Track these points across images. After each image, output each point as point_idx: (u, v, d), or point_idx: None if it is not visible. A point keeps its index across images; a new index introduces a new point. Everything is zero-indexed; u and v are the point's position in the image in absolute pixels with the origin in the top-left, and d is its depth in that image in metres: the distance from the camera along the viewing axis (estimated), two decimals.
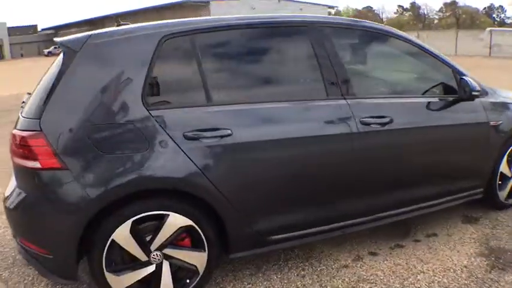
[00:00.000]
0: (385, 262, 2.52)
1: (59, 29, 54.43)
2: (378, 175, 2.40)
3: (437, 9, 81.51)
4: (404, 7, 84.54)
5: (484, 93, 2.75)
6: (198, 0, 42.30)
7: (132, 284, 2.07)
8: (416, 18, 78.44)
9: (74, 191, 1.89)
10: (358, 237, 2.78)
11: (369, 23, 2.60)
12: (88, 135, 1.90)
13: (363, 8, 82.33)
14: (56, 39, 2.11)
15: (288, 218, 2.24)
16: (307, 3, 49.82)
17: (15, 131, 1.98)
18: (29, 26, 61.02)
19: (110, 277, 2.02)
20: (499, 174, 2.94)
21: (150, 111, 1.96)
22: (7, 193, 2.14)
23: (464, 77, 2.54)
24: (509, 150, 2.94)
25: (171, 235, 2.05)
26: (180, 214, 2.03)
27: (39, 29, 61.88)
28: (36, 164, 1.89)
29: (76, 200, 1.90)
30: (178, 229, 2.05)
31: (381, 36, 2.59)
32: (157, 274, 2.08)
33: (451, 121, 2.61)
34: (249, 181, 2.11)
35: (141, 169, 1.94)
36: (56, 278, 2.09)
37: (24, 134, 1.92)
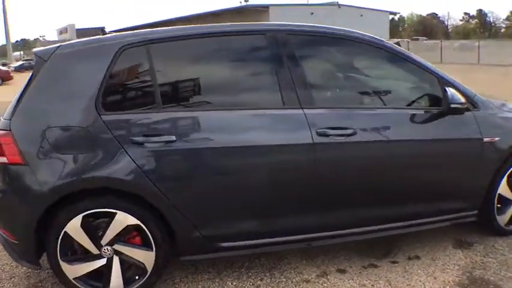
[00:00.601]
0: (350, 281, 2.39)
1: (124, 32, 57.50)
2: (343, 189, 2.28)
3: (504, 17, 74.61)
4: (471, 14, 78.66)
5: (479, 106, 2.50)
6: (257, 5, 42.85)
7: (86, 275, 2.18)
8: (483, 26, 72.74)
9: (32, 185, 2.07)
10: (333, 252, 2.67)
11: (337, 29, 2.46)
12: (46, 136, 2.06)
13: (427, 14, 77.80)
14: (34, 49, 2.29)
15: (238, 226, 2.22)
16: (368, 9, 48.25)
17: None
18: (97, 28, 65.60)
19: (64, 265, 2.16)
20: (496, 196, 2.65)
21: (101, 116, 2.07)
22: None
23: (447, 88, 2.32)
24: (510, 170, 2.64)
25: (120, 232, 2.13)
26: (127, 213, 2.10)
27: (106, 31, 66.14)
28: (4, 159, 2.09)
29: (32, 192, 2.07)
30: (126, 227, 2.12)
31: (350, 43, 2.43)
32: (108, 268, 2.18)
33: (433, 135, 2.39)
34: (194, 188, 2.13)
35: (89, 169, 2.05)
36: (22, 262, 2.26)
37: None
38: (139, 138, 2.06)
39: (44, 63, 2.15)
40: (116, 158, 2.04)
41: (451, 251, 2.70)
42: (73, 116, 2.10)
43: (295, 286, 2.35)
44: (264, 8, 41.60)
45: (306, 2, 48.76)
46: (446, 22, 76.24)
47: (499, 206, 2.72)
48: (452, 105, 2.29)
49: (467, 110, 2.42)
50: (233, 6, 45.28)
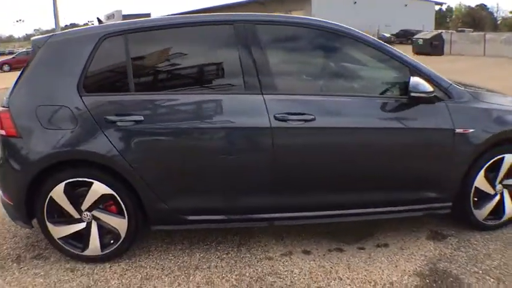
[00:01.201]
0: (311, 262, 2.49)
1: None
2: (302, 172, 2.37)
3: None
4: None
5: (454, 97, 2.46)
6: None
7: (69, 236, 2.46)
8: None
9: (23, 154, 2.36)
10: (305, 234, 2.78)
11: (306, 18, 2.51)
12: (36, 113, 2.33)
13: (476, 5, 72.63)
14: (32, 38, 2.56)
15: (202, 202, 2.39)
16: None
17: None
18: (143, 14, 67.55)
19: (50, 226, 2.44)
20: (473, 189, 2.62)
21: (82, 97, 2.31)
22: None
23: (411, 77, 2.32)
24: (488, 163, 2.58)
25: (97, 200, 2.38)
26: (102, 183, 2.34)
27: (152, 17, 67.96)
28: (3, 132, 2.40)
29: (24, 161, 2.36)
30: (101, 195, 2.36)
31: (317, 32, 2.47)
32: (87, 231, 2.44)
33: (398, 124, 2.41)
34: (158, 163, 2.33)
35: (70, 143, 2.31)
36: (18, 222, 2.57)
37: (0, 109, 2.43)
38: (113, 117, 2.28)
39: (38, 50, 2.42)
40: (92, 134, 2.28)
41: (422, 242, 2.71)
42: (59, 97, 2.35)
43: (257, 262, 2.49)
44: None
45: None
46: (495, 14, 71.15)
47: (476, 199, 2.68)
48: (413, 94, 2.29)
49: (439, 99, 2.40)
50: None
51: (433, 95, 2.34)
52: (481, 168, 2.59)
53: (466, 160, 2.51)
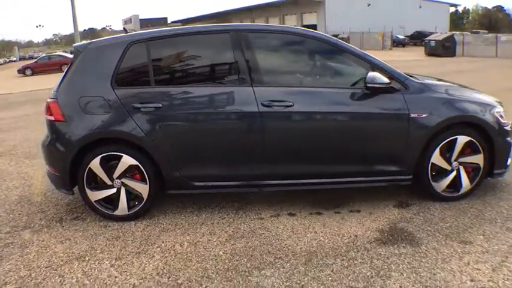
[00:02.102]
0: (294, 222, 3.09)
1: (186, 22, 60.77)
2: (285, 147, 3.00)
3: None
4: None
5: (410, 88, 3.03)
6: None
7: (103, 199, 3.13)
8: None
9: (68, 134, 3.04)
10: (291, 201, 3.39)
11: (286, 27, 3.21)
12: (78, 102, 3.01)
13: (493, 7, 71.60)
14: (74, 44, 3.27)
15: (206, 171, 3.04)
16: (427, 0, 45.97)
17: (47, 99, 3.18)
18: (160, 18, 69.25)
19: (88, 191, 3.11)
20: (430, 165, 3.16)
21: (114, 90, 2.99)
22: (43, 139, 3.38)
23: (370, 72, 2.91)
24: (442, 143, 3.12)
25: (125, 170, 3.04)
26: (129, 156, 3.00)
27: (168, 21, 69.66)
28: (52, 118, 3.08)
29: (69, 140, 3.04)
30: (128, 166, 3.03)
31: (297, 37, 3.14)
32: (117, 195, 3.10)
33: (359, 109, 2.99)
34: (173, 140, 2.99)
35: (106, 125, 2.99)
36: (61, 190, 3.25)
37: (49, 100, 3.13)
38: (138, 105, 2.95)
39: (79, 53, 3.13)
40: (122, 118, 2.96)
41: (389, 209, 3.27)
42: (96, 90, 3.03)
43: (251, 220, 3.11)
44: (319, 0, 41.50)
45: None
46: None
47: (434, 174, 3.22)
48: (369, 85, 2.88)
49: (396, 90, 2.98)
50: None
51: (389, 86, 2.92)
52: (436, 147, 3.14)
53: (421, 140, 3.07)
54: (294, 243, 2.75)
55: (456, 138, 3.17)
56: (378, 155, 3.11)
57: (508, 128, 3.33)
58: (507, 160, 3.35)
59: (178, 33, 3.19)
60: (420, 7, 44.73)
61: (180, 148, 2.99)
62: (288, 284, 2.31)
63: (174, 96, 3.03)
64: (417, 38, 36.10)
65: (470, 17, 73.70)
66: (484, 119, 3.17)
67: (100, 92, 3.01)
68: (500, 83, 11.11)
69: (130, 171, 3.07)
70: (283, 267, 2.47)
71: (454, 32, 29.28)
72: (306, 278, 2.36)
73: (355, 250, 2.65)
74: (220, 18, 55.25)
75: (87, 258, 2.66)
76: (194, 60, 3.25)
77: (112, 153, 3.02)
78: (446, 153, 3.20)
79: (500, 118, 3.27)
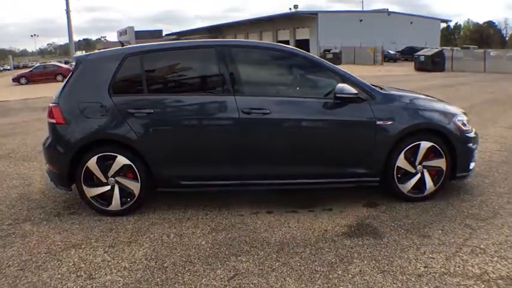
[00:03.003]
0: (271, 218, 3.41)
1: (181, 35, 61.63)
2: (261, 150, 3.34)
3: None
4: None
5: (376, 97, 3.39)
6: (306, 12, 44.03)
7: (98, 195, 3.43)
8: None
9: (68, 136, 3.37)
10: (270, 200, 3.71)
11: (266, 43, 3.61)
12: (78, 107, 3.34)
13: (484, 22, 73.62)
14: (74, 55, 3.64)
15: (193, 171, 3.37)
16: (418, 16, 47.28)
17: (49, 104, 3.51)
18: (155, 30, 70.15)
19: (84, 188, 3.43)
20: (395, 168, 3.51)
21: (111, 97, 3.33)
22: (44, 140, 3.70)
23: (339, 83, 3.28)
24: (406, 148, 3.47)
25: (119, 169, 3.37)
26: (123, 156, 3.33)
27: (163, 34, 70.48)
28: (54, 121, 3.40)
29: (69, 140, 3.36)
30: (122, 165, 3.35)
31: (275, 53, 3.55)
32: (111, 191, 3.42)
33: (330, 117, 3.35)
34: (163, 142, 3.33)
35: (101, 127, 3.32)
36: (59, 187, 3.55)
37: (52, 105, 3.46)
38: (132, 110, 3.30)
39: (80, 64, 3.48)
40: (118, 121, 3.30)
41: (359, 208, 3.60)
42: (95, 96, 3.37)
43: (232, 217, 3.43)
44: (313, 16, 42.59)
45: (354, 9, 49.15)
46: (503, 31, 71.94)
47: (399, 176, 3.57)
48: (338, 95, 3.25)
49: (363, 100, 3.34)
50: (285, 12, 47.10)
51: (356, 96, 3.29)
52: (401, 152, 3.49)
53: (387, 145, 3.43)
54: (269, 236, 3.07)
55: (419, 144, 3.52)
56: (348, 158, 3.45)
57: (470, 134, 3.69)
58: (469, 164, 3.70)
59: (170, 47, 3.59)
60: (411, 23, 45.87)
61: (169, 150, 3.33)
62: (260, 267, 2.62)
63: (165, 104, 3.37)
64: (408, 53, 36.92)
65: (461, 33, 75.50)
66: (445, 126, 3.53)
67: (98, 98, 3.34)
68: (475, 96, 11.70)
69: (123, 171, 3.38)
70: (258, 255, 2.79)
71: (443, 48, 30.08)
72: (277, 263, 2.67)
73: (323, 241, 2.97)
74: (214, 32, 56.22)
75: (83, 246, 2.96)
76: (183, 72, 3.63)
77: (108, 153, 3.34)
78: (411, 157, 3.54)
79: (462, 126, 3.63)
